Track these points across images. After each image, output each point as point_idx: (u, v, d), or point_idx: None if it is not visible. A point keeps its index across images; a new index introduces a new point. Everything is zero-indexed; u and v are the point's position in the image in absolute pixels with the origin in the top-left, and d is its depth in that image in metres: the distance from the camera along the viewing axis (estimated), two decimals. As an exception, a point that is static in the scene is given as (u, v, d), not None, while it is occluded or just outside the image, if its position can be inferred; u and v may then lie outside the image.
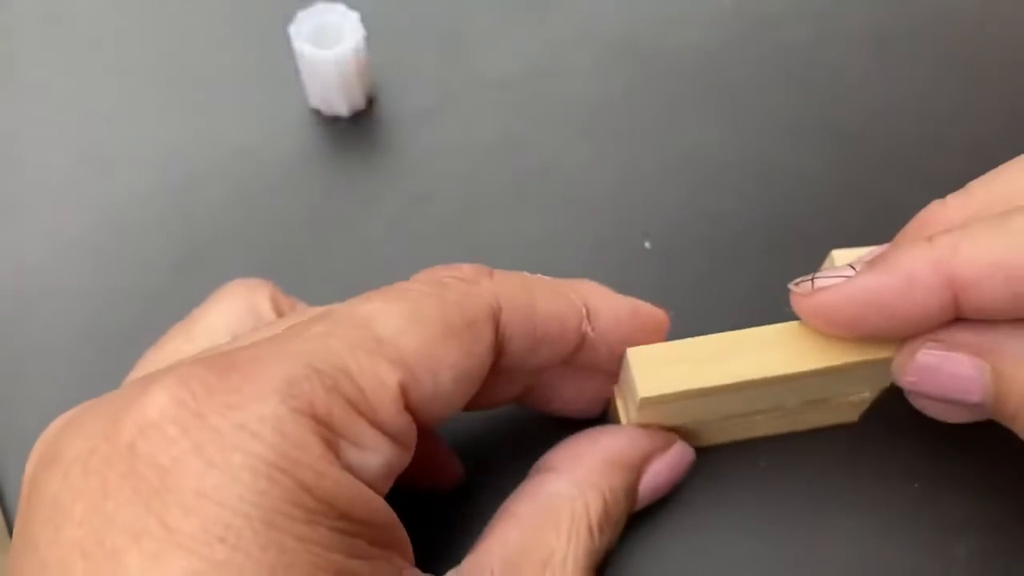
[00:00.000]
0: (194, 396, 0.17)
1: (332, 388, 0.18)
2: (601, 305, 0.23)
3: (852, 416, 0.27)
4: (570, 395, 0.25)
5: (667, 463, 0.25)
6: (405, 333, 0.19)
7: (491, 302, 0.21)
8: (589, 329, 0.23)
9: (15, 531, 0.18)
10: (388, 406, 0.18)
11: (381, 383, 0.18)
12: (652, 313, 0.24)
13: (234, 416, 0.17)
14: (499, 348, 0.21)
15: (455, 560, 0.23)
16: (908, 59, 0.35)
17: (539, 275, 0.24)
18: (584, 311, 0.23)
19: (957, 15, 0.36)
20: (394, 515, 0.19)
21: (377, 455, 0.18)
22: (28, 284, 0.30)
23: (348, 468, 0.18)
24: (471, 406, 0.25)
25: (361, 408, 0.18)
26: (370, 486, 0.18)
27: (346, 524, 0.17)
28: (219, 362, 0.18)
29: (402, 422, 0.19)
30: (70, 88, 0.35)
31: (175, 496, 0.16)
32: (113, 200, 0.32)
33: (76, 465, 0.17)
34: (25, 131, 0.34)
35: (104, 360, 0.29)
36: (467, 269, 0.22)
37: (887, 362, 0.24)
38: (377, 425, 0.18)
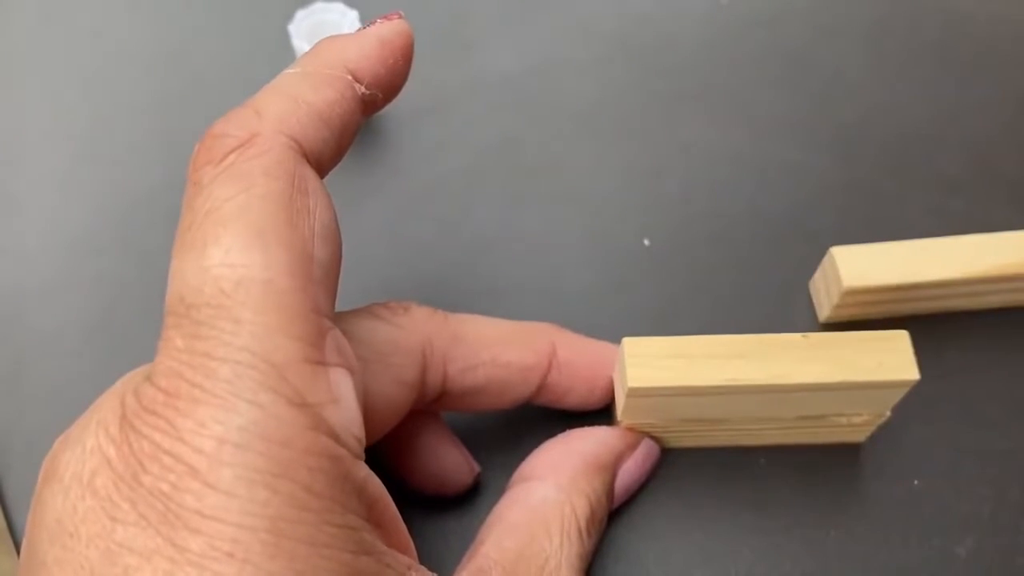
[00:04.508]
0: (169, 422, 0.17)
1: (286, 357, 0.17)
2: (564, 354, 0.25)
3: (858, 437, 0.27)
4: (583, 390, 0.26)
5: (636, 461, 0.26)
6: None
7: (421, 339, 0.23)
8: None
9: (24, 543, 0.18)
10: (327, 330, 0.18)
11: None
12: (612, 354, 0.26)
13: (210, 432, 0.16)
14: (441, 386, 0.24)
15: (456, 561, 0.23)
16: (907, 56, 0.35)
17: (501, 320, 0.25)
18: (548, 361, 0.25)
19: (956, 12, 0.36)
20: (394, 508, 0.19)
21: (348, 394, 0.18)
22: (29, 282, 0.30)
23: (335, 438, 0.18)
24: (482, 407, 0.25)
25: (314, 353, 0.18)
26: (358, 440, 0.19)
27: (353, 519, 0.17)
28: (166, 386, 0.17)
29: (333, 336, 0.19)
30: (70, 87, 0.35)
31: (180, 519, 0.16)
32: (114, 198, 0.32)
33: (75, 485, 0.17)
34: (25, 128, 0.34)
35: (106, 358, 0.29)
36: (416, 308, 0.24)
37: (886, 385, 0.24)
38: (335, 359, 0.18)
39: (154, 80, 0.35)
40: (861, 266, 0.28)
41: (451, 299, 0.30)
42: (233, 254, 0.18)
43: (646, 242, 0.31)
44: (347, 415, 0.18)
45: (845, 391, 0.24)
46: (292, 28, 0.32)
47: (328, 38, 0.22)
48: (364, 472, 0.18)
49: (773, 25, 0.36)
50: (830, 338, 0.24)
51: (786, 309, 0.30)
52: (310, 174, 0.19)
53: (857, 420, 0.25)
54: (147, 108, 0.34)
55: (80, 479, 0.17)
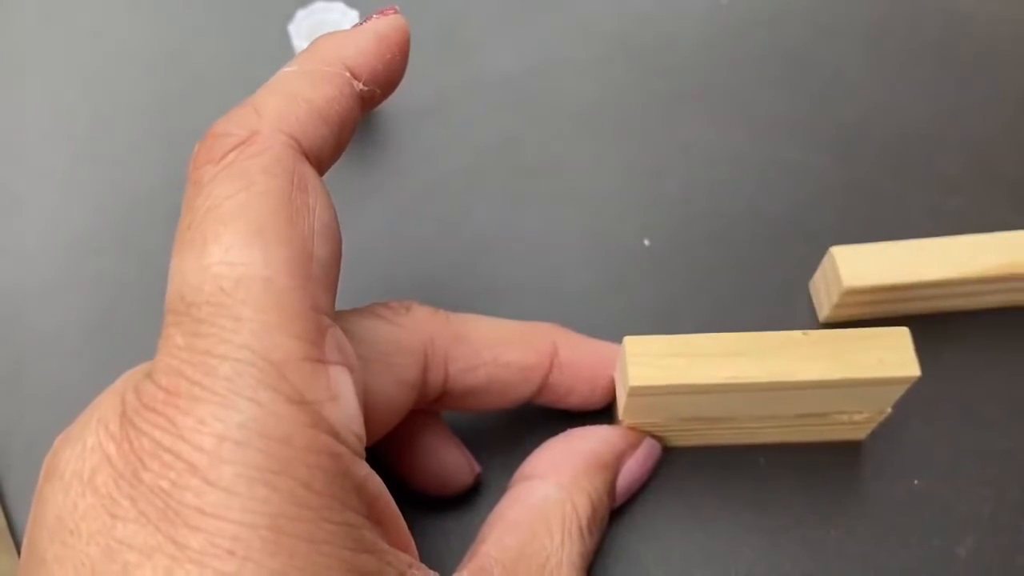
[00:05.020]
0: (169, 419, 0.17)
1: (287, 354, 0.17)
2: (565, 354, 0.25)
3: (858, 434, 0.27)
4: (585, 390, 0.26)
5: (638, 460, 0.26)
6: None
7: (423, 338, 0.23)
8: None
9: (24, 542, 0.18)
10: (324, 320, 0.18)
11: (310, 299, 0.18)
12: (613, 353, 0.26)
13: (210, 430, 0.16)
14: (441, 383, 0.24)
15: (457, 560, 0.23)
16: (907, 56, 0.35)
17: (502, 320, 0.25)
18: (549, 361, 0.25)
19: (956, 12, 0.36)
20: (395, 506, 0.19)
21: (348, 392, 0.18)
22: (29, 282, 0.30)
23: (334, 435, 0.18)
24: (483, 407, 0.25)
25: (315, 352, 0.18)
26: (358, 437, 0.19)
27: (352, 516, 0.18)
28: (166, 384, 0.17)
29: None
30: (70, 87, 0.35)
31: (181, 516, 0.16)
32: (114, 198, 0.32)
33: (76, 482, 0.17)
34: (25, 128, 0.34)
35: (105, 358, 0.29)
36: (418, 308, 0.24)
37: (887, 382, 0.24)
38: (332, 352, 0.18)
39: (154, 80, 0.35)
40: (861, 266, 0.28)
41: (451, 299, 0.30)
42: (233, 252, 0.18)
43: (646, 242, 0.31)
44: (347, 413, 0.18)
45: (846, 388, 0.24)
46: (292, 28, 0.32)
47: (325, 35, 0.22)
48: (364, 470, 0.18)
49: (773, 25, 0.36)
50: (830, 335, 0.24)
51: (786, 309, 0.30)
52: (309, 172, 0.19)
53: (858, 417, 0.25)
54: (147, 108, 0.34)
55: (80, 476, 0.17)
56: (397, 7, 0.22)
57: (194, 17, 0.36)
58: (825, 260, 0.28)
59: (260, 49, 0.35)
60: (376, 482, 0.19)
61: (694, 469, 0.27)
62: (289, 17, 0.32)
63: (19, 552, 0.26)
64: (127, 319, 0.30)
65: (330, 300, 0.19)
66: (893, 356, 0.23)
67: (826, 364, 0.23)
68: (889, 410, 0.25)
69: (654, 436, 0.26)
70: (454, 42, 0.36)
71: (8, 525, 0.27)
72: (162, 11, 0.37)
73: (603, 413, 0.27)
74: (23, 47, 0.36)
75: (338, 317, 0.20)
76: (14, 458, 0.28)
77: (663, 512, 0.26)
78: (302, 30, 0.32)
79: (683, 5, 0.36)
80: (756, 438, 0.27)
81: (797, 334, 0.24)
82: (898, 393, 0.24)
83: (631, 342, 0.24)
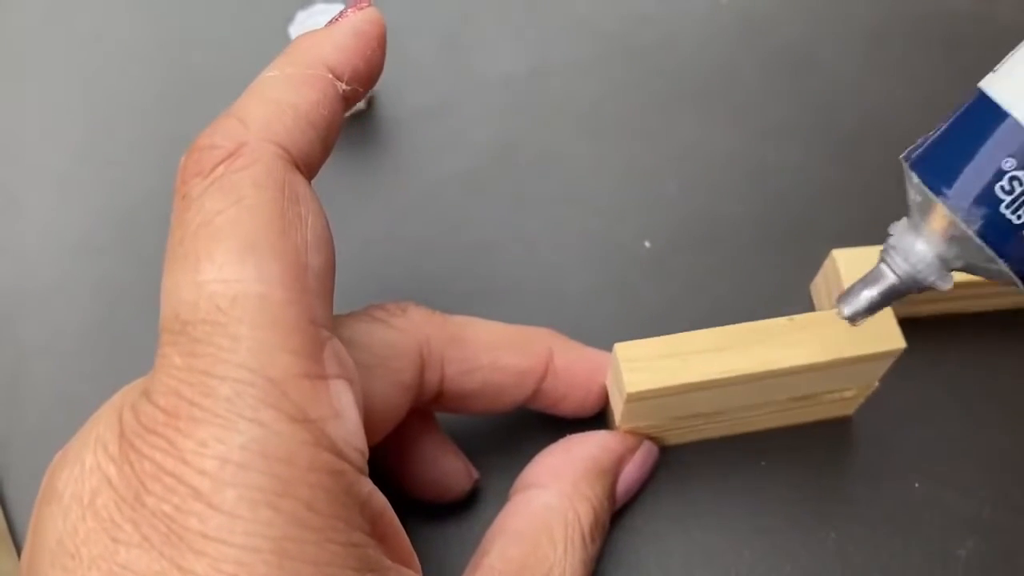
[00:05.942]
0: (170, 442, 0.17)
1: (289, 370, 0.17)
2: (560, 361, 0.25)
3: (847, 410, 0.27)
4: (578, 396, 0.26)
5: (637, 464, 0.26)
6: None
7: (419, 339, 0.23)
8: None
9: (22, 565, 0.18)
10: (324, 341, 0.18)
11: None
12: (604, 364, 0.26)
13: (212, 452, 0.16)
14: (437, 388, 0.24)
15: (456, 568, 0.23)
16: (906, 58, 0.35)
17: (498, 323, 0.25)
18: (545, 367, 0.25)
19: (956, 12, 0.36)
20: (397, 521, 0.19)
21: (349, 407, 0.18)
22: (29, 283, 0.30)
23: (337, 453, 0.18)
24: (478, 409, 0.25)
25: (313, 372, 0.18)
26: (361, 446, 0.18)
27: (357, 535, 0.17)
28: (165, 405, 0.17)
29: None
30: (70, 87, 0.35)
31: (184, 541, 0.16)
32: (114, 199, 0.32)
33: (75, 505, 0.17)
34: (25, 128, 0.34)
35: (105, 360, 0.29)
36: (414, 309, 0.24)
37: (876, 357, 0.24)
38: (332, 366, 0.18)
39: (154, 81, 0.35)
40: (862, 268, 0.27)
41: (451, 300, 0.30)
42: (227, 269, 0.17)
43: (647, 244, 0.31)
44: (349, 428, 0.18)
45: (836, 368, 0.24)
46: (292, 30, 0.32)
47: (303, 35, 0.21)
48: (368, 487, 0.18)
49: (773, 25, 0.36)
50: (815, 318, 0.24)
51: (787, 311, 0.29)
52: (300, 181, 0.19)
53: (847, 394, 0.26)
54: (147, 109, 0.34)
55: (80, 499, 0.17)
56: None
57: (194, 18, 0.36)
58: (826, 262, 0.28)
59: (260, 50, 0.35)
60: (379, 499, 0.19)
61: (694, 470, 0.27)
62: (289, 19, 0.32)
63: (19, 553, 0.26)
64: (127, 321, 0.30)
65: (327, 310, 0.19)
66: (878, 331, 0.24)
67: (815, 348, 0.24)
68: (876, 384, 0.25)
69: (651, 437, 0.26)
70: (454, 42, 0.35)
71: (8, 527, 0.27)
72: (162, 12, 0.37)
73: (597, 418, 0.27)
74: (23, 47, 0.36)
75: (334, 322, 0.20)
76: (14, 459, 0.28)
77: (663, 514, 0.26)
78: (302, 32, 0.32)
79: (683, 5, 0.36)
80: (750, 426, 0.27)
81: (782, 321, 0.24)
82: (885, 367, 0.24)
83: (622, 348, 0.24)
